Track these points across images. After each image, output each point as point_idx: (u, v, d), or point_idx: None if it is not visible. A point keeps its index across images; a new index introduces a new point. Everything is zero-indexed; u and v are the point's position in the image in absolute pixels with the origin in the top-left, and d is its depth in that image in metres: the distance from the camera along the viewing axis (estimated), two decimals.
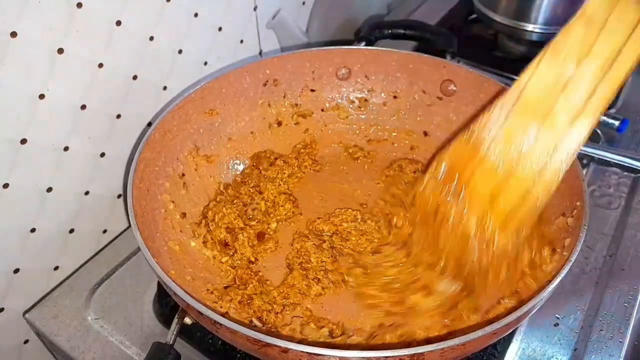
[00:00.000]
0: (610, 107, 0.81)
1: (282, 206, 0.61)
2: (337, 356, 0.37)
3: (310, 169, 0.68)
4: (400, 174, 0.66)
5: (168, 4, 0.62)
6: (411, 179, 0.65)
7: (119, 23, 0.57)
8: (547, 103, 0.44)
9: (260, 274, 0.56)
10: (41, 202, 0.58)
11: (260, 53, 0.82)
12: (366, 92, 0.72)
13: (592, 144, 0.72)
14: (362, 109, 0.73)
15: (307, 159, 0.68)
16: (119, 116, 0.63)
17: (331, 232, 0.60)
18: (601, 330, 0.55)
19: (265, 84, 0.69)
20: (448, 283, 0.52)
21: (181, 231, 0.58)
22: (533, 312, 0.44)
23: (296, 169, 0.67)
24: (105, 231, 0.69)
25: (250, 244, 0.57)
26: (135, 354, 0.56)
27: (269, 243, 0.59)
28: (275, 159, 0.67)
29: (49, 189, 0.59)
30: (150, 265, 0.45)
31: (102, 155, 0.63)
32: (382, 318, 0.52)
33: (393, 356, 0.37)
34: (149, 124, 0.67)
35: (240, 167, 0.68)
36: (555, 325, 0.56)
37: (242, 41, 0.77)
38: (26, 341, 0.65)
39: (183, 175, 0.61)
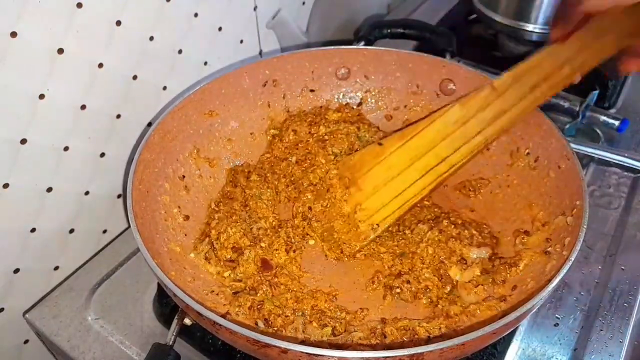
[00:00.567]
0: (610, 107, 0.81)
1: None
2: (336, 356, 0.37)
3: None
4: None
5: (168, 4, 0.62)
6: None
7: (119, 23, 0.57)
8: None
9: (270, 278, 0.56)
10: (41, 202, 0.58)
11: (260, 53, 0.82)
12: (365, 92, 0.72)
13: (592, 144, 0.72)
14: (361, 108, 0.72)
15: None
16: (119, 116, 0.63)
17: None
18: (601, 330, 0.55)
19: (265, 85, 0.68)
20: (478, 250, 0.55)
21: (185, 235, 0.58)
22: (533, 311, 0.44)
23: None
24: (105, 231, 0.69)
25: (255, 263, 0.56)
26: (135, 354, 0.56)
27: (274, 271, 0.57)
28: (249, 172, 0.65)
29: (49, 189, 0.59)
30: (150, 267, 0.45)
31: (102, 155, 0.63)
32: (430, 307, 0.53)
33: (393, 356, 0.37)
34: (149, 124, 0.67)
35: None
36: (555, 325, 0.56)
37: (242, 41, 0.77)
38: (26, 341, 0.65)
39: (183, 177, 0.61)
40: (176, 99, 0.64)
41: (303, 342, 0.50)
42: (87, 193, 0.64)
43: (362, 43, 0.79)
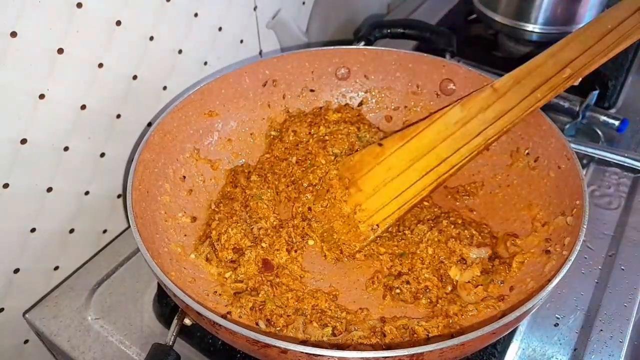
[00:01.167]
0: (610, 107, 0.81)
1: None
2: (336, 356, 0.37)
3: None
4: None
5: (168, 4, 0.62)
6: None
7: (118, 23, 0.57)
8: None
9: (271, 278, 0.56)
10: (41, 202, 0.59)
11: (260, 53, 0.82)
12: (365, 92, 0.72)
13: (592, 144, 0.72)
14: (361, 108, 0.73)
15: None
16: (119, 116, 0.63)
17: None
18: (601, 330, 0.55)
19: (265, 85, 0.69)
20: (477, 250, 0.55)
21: (185, 235, 0.58)
22: (532, 311, 0.44)
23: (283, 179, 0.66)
24: (105, 231, 0.69)
25: (256, 264, 0.56)
26: (135, 354, 0.56)
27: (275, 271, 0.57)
28: (249, 172, 0.65)
29: (49, 189, 0.59)
30: (150, 267, 0.45)
31: (102, 155, 0.63)
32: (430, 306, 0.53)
33: (392, 356, 0.37)
34: (149, 124, 0.67)
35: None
36: (555, 325, 0.56)
37: (242, 41, 0.77)
38: (26, 341, 0.65)
39: (184, 177, 0.61)
40: (176, 99, 0.64)
41: (303, 342, 0.50)
42: (87, 193, 0.64)
43: (362, 43, 0.79)
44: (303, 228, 0.60)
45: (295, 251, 0.58)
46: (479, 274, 0.54)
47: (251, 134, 0.69)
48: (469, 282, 0.54)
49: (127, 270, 0.64)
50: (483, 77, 0.63)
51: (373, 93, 0.72)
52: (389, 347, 0.49)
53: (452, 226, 0.57)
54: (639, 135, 0.77)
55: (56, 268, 0.64)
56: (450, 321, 0.51)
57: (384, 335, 0.50)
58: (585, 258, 0.62)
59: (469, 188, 0.64)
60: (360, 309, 0.54)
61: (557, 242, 0.52)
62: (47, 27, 0.51)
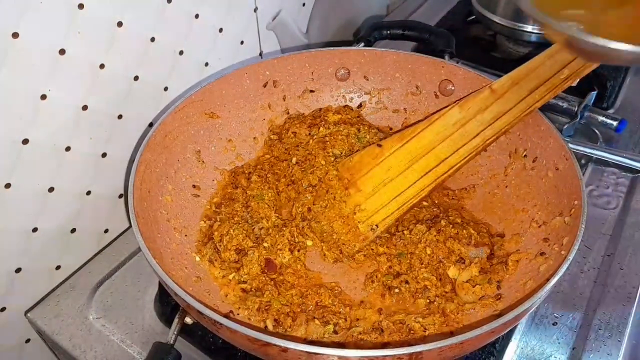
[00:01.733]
0: (608, 107, 0.81)
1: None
2: (336, 355, 0.38)
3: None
4: None
5: (169, 5, 0.62)
6: None
7: (120, 24, 0.58)
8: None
9: (274, 276, 0.56)
10: (43, 201, 0.59)
11: (260, 54, 0.82)
12: (365, 93, 0.72)
13: (591, 144, 0.72)
14: (361, 109, 0.73)
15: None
16: (120, 117, 0.63)
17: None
18: (599, 329, 0.56)
19: (265, 85, 0.69)
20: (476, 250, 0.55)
21: (186, 236, 0.58)
22: (531, 310, 0.44)
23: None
24: (106, 231, 0.69)
25: (259, 264, 0.56)
26: (136, 352, 0.56)
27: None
28: (250, 172, 0.66)
29: (51, 189, 0.59)
30: (151, 266, 0.45)
31: (104, 155, 0.63)
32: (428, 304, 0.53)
33: (391, 355, 0.38)
34: (150, 125, 0.68)
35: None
36: (553, 324, 0.57)
37: (242, 42, 0.77)
38: (28, 340, 0.66)
39: (185, 177, 0.62)
40: (177, 99, 0.64)
41: (303, 341, 0.50)
42: (88, 193, 0.64)
43: (362, 44, 0.79)
44: (302, 228, 0.61)
45: (299, 250, 0.58)
46: (477, 273, 0.54)
47: (251, 134, 0.69)
48: (467, 281, 0.54)
49: (129, 270, 0.64)
50: (482, 78, 0.63)
51: (373, 94, 0.73)
52: (388, 345, 0.49)
53: (451, 226, 0.57)
54: (637, 136, 0.77)
55: (58, 267, 0.64)
56: (448, 319, 0.51)
57: (382, 331, 0.50)
58: (584, 258, 0.62)
59: (467, 188, 0.65)
60: (361, 301, 0.54)
61: (555, 241, 0.52)
62: (49, 27, 0.51)
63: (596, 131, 0.77)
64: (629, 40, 0.42)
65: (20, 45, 0.50)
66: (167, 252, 0.53)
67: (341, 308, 0.53)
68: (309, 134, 0.68)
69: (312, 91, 0.72)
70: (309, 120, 0.69)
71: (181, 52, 0.67)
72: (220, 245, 0.56)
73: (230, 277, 0.56)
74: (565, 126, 0.75)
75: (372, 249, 0.59)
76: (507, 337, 0.55)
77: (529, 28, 0.83)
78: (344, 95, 0.73)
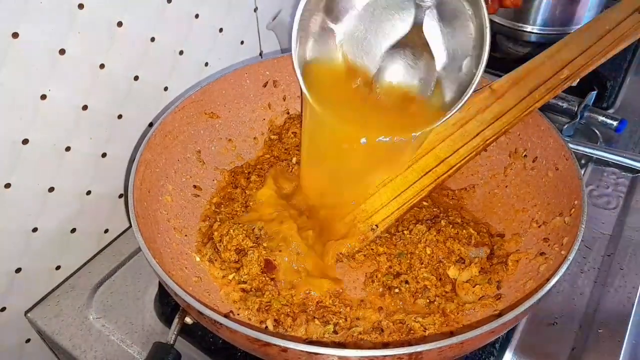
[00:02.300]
0: (608, 107, 0.81)
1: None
2: (336, 355, 0.38)
3: None
4: None
5: (169, 5, 0.62)
6: None
7: (120, 24, 0.58)
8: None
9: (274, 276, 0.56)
10: (43, 201, 0.59)
11: (260, 54, 0.82)
12: None
13: (591, 144, 0.72)
14: None
15: None
16: (120, 116, 0.63)
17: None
18: (599, 329, 0.56)
19: (265, 85, 0.69)
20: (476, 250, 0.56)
21: (186, 236, 0.58)
22: (531, 310, 0.44)
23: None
24: (106, 231, 0.69)
25: (259, 264, 0.56)
26: (136, 352, 0.56)
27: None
28: (249, 172, 0.66)
29: (51, 189, 0.59)
30: (151, 266, 0.45)
31: (104, 155, 0.63)
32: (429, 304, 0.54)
33: (391, 355, 0.38)
34: (150, 125, 0.68)
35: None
36: (553, 324, 0.57)
37: (242, 42, 0.77)
38: (28, 340, 0.66)
39: (185, 177, 0.62)
40: (177, 99, 0.64)
41: (303, 341, 0.50)
42: (88, 193, 0.64)
43: None
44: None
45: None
46: (477, 273, 0.54)
47: (251, 135, 0.69)
48: (467, 281, 0.54)
49: (129, 270, 0.64)
50: (482, 78, 0.63)
51: None
52: (388, 345, 0.49)
53: (451, 226, 0.57)
54: (637, 136, 0.77)
55: (58, 267, 0.64)
56: (448, 319, 0.51)
57: (382, 331, 0.50)
58: (584, 258, 0.62)
59: (467, 188, 0.65)
60: (361, 301, 0.55)
61: (555, 241, 0.52)
62: (49, 28, 0.51)
63: (596, 131, 0.77)
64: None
65: (20, 45, 0.50)
66: (167, 252, 0.54)
67: (341, 308, 0.53)
68: None
69: None
70: None
71: (181, 52, 0.67)
72: (220, 246, 0.56)
73: (230, 277, 0.55)
74: (565, 126, 0.75)
75: (372, 249, 0.59)
76: (507, 337, 0.55)
77: (528, 28, 0.83)
78: None
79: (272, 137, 0.70)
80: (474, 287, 0.53)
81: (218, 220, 0.59)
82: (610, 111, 0.81)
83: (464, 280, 0.54)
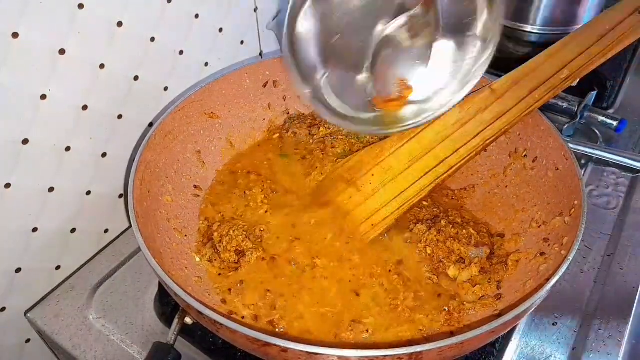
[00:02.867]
0: (608, 107, 0.81)
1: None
2: (336, 355, 0.38)
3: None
4: None
5: (169, 5, 0.62)
6: None
7: (120, 24, 0.58)
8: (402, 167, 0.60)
9: None
10: (43, 201, 0.59)
11: (260, 54, 0.82)
12: None
13: (591, 144, 0.72)
14: None
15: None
16: (120, 116, 0.63)
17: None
18: (599, 329, 0.56)
19: (265, 85, 0.69)
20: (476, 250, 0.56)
21: (186, 236, 0.58)
22: (531, 310, 0.44)
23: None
24: (106, 231, 0.69)
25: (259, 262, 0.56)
26: (136, 353, 0.56)
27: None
28: (249, 172, 0.66)
29: (51, 189, 0.59)
30: (151, 266, 0.45)
31: (104, 155, 0.63)
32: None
33: (392, 355, 0.38)
34: (150, 125, 0.68)
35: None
36: (553, 324, 0.57)
37: (242, 42, 0.77)
38: (27, 340, 0.66)
39: (185, 177, 0.62)
40: (177, 99, 0.64)
41: (303, 341, 0.50)
42: (88, 193, 0.64)
43: None
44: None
45: None
46: (477, 273, 0.54)
47: (251, 135, 0.69)
48: (467, 281, 0.54)
49: (129, 270, 0.64)
50: (482, 77, 0.63)
51: None
52: (388, 345, 0.49)
53: (451, 226, 0.57)
54: (637, 136, 0.77)
55: (58, 267, 0.64)
56: (448, 319, 0.51)
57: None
58: (584, 258, 0.62)
59: (467, 188, 0.65)
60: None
61: (555, 242, 0.52)
62: (49, 27, 0.51)
63: (596, 131, 0.77)
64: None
65: (20, 45, 0.50)
66: (167, 252, 0.53)
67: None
68: (309, 133, 0.68)
69: None
70: (309, 120, 0.69)
71: (181, 52, 0.67)
72: (220, 246, 0.56)
73: (230, 274, 0.55)
74: (565, 126, 0.75)
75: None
76: (507, 337, 0.55)
77: (528, 28, 0.83)
78: None
79: (272, 137, 0.70)
80: (474, 287, 0.53)
81: (218, 220, 0.59)
82: (610, 111, 0.81)
83: (464, 280, 0.54)
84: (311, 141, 0.67)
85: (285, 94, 0.71)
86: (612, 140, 0.76)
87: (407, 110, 0.57)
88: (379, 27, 0.53)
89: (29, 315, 0.61)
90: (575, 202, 0.51)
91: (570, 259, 0.45)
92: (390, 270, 0.56)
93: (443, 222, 0.58)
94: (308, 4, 0.49)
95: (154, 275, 0.46)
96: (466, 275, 0.54)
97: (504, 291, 0.53)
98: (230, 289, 0.54)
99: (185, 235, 0.58)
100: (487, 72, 0.54)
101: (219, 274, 0.56)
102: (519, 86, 0.56)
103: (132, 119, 0.65)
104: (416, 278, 0.55)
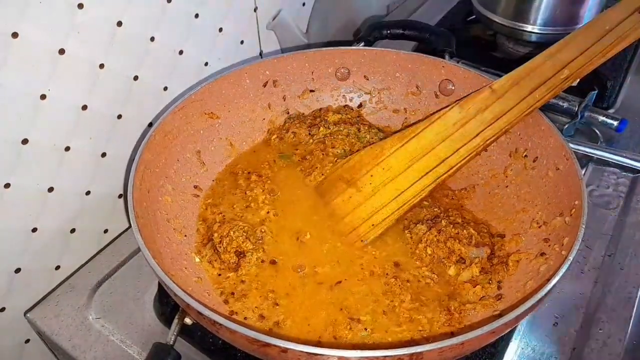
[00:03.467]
0: (609, 107, 0.81)
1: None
2: (336, 356, 0.38)
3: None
4: None
5: (169, 5, 0.62)
6: None
7: (120, 24, 0.58)
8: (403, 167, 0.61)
9: None
10: (42, 202, 0.59)
11: (260, 54, 0.82)
12: (365, 93, 0.72)
13: (591, 144, 0.72)
14: (361, 109, 0.73)
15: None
16: (120, 116, 0.63)
17: None
18: (600, 329, 0.56)
19: (265, 85, 0.69)
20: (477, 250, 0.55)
21: (186, 236, 0.58)
22: (532, 311, 0.44)
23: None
24: (106, 231, 0.69)
25: (257, 266, 0.56)
26: (136, 353, 0.56)
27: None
28: (249, 172, 0.65)
29: (50, 189, 0.59)
30: (151, 266, 0.45)
31: (104, 155, 0.63)
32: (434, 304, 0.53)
33: (392, 355, 0.38)
34: (150, 124, 0.68)
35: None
36: (554, 324, 0.57)
37: (242, 42, 0.77)
38: (27, 341, 0.66)
39: (184, 177, 0.62)
40: (177, 99, 0.64)
41: (303, 341, 0.50)
42: (88, 193, 0.64)
43: (362, 44, 0.79)
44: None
45: None
46: (477, 273, 0.54)
47: (251, 134, 0.69)
48: (468, 281, 0.54)
49: (128, 270, 0.64)
50: (482, 77, 0.63)
51: (373, 94, 0.72)
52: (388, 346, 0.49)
53: (451, 226, 0.57)
54: (638, 135, 0.77)
55: (57, 267, 0.64)
56: (449, 319, 0.51)
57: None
58: (584, 258, 0.62)
59: (468, 188, 0.65)
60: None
61: (556, 242, 0.52)
62: (49, 27, 0.51)
63: (597, 131, 0.77)
64: None
65: (20, 45, 0.50)
66: (166, 253, 0.53)
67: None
68: (309, 134, 0.68)
69: (312, 91, 0.72)
70: (309, 120, 0.69)
71: (181, 52, 0.67)
72: (220, 247, 0.56)
73: (230, 275, 0.55)
74: (566, 126, 0.75)
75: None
76: (508, 338, 0.55)
77: (529, 28, 0.83)
78: (344, 95, 0.73)
79: (272, 137, 0.70)
80: (474, 287, 0.53)
81: (218, 221, 0.59)
82: (611, 111, 0.81)
83: (464, 280, 0.54)
84: (311, 141, 0.67)
85: (285, 94, 0.71)
86: (613, 140, 0.76)
87: None
88: None
89: (28, 315, 0.61)
90: (576, 202, 0.51)
91: (571, 259, 0.45)
92: (390, 271, 0.56)
93: (443, 222, 0.57)
94: None
95: (154, 275, 0.46)
96: (467, 276, 0.54)
97: (505, 291, 0.53)
98: (232, 292, 0.54)
99: (185, 236, 0.58)
100: (487, 71, 0.54)
101: (219, 275, 0.56)
102: (519, 86, 0.56)
103: (131, 119, 0.65)
104: (416, 278, 0.55)
